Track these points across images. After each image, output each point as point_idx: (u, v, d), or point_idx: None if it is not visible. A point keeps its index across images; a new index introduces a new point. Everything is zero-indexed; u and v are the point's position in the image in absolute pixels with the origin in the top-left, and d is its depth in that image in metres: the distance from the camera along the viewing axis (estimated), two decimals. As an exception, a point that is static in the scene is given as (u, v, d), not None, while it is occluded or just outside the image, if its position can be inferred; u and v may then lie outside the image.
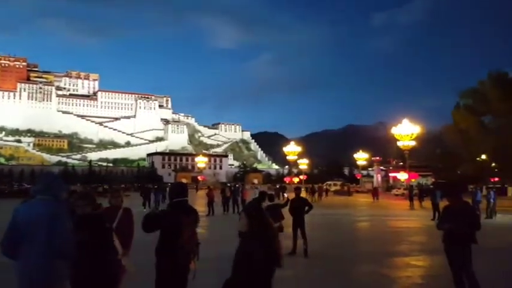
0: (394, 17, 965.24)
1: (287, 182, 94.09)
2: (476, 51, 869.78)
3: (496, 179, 64.86)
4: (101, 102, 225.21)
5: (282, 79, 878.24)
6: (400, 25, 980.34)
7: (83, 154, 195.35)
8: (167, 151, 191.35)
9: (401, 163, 74.48)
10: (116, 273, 4.19)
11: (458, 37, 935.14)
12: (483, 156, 59.21)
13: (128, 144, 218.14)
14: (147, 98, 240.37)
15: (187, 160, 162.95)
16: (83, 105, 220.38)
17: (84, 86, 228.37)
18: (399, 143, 37.74)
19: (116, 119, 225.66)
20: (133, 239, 5.33)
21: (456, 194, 6.14)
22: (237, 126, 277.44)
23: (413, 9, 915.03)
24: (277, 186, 49.36)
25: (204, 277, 7.22)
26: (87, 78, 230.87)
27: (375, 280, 7.97)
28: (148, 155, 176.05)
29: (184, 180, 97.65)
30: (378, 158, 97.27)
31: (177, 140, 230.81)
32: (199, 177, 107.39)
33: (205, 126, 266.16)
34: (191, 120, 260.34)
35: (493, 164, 60.42)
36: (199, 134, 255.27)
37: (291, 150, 62.10)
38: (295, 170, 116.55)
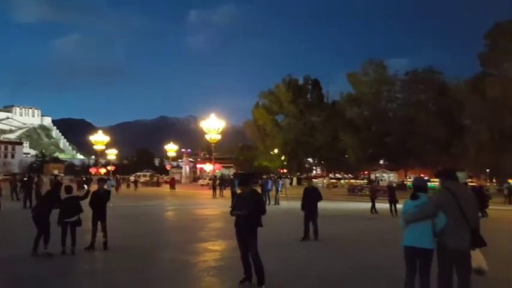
0: (208, 16, 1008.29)
1: (93, 173, 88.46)
2: (277, 56, 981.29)
3: (285, 170, 74.99)
4: None
5: (91, 64, 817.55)
6: (213, 25, 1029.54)
7: None
8: None
9: (208, 155, 78.70)
10: None
11: (262, 41, 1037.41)
12: (276, 150, 67.81)
13: None
14: None
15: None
16: None
17: None
18: (207, 136, 39.67)
19: None
20: None
21: (246, 183, 6.81)
22: (36, 111, 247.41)
23: (225, 12, 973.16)
24: (84, 178, 45.69)
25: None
26: None
27: (175, 267, 8.37)
28: None
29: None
30: (187, 149, 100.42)
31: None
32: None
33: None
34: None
35: (283, 157, 69.68)
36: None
37: (99, 139, 58.39)
38: (102, 161, 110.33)
